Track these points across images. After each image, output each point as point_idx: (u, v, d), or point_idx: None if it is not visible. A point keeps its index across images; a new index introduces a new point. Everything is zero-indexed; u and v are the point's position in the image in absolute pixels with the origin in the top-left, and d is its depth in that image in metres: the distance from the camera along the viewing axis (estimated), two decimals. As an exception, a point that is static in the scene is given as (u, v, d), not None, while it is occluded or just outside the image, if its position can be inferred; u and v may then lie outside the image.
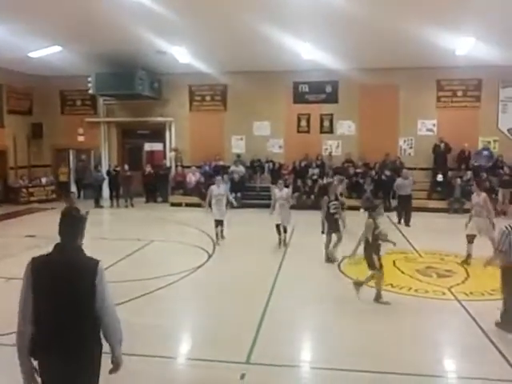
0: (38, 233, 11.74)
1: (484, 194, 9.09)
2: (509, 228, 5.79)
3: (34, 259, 3.10)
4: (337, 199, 9.53)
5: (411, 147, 17.13)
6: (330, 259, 9.03)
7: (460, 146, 16.18)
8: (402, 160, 16.55)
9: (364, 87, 16.55)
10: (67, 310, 2.95)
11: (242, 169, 17.20)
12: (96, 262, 3.06)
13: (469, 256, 8.78)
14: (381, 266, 6.85)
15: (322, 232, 9.31)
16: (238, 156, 17.62)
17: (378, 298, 6.87)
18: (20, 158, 18.20)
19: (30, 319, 2.97)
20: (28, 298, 2.98)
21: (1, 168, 17.27)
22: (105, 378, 4.80)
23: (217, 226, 10.65)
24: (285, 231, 10.33)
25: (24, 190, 17.54)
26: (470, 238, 8.80)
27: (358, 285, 7.03)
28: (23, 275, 3.05)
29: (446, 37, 12.11)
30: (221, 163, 17.60)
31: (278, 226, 10.21)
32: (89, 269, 3.02)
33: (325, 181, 16.18)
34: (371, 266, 6.83)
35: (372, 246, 6.81)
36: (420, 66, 15.87)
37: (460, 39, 12.59)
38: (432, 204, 15.13)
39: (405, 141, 17.14)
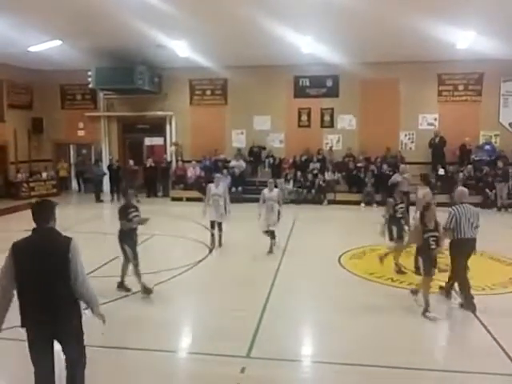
0: (39, 227, 11.75)
1: (427, 190, 8.68)
2: (455, 209, 6.53)
3: (14, 243, 3.54)
4: (402, 201, 8.24)
5: (412, 141, 17.10)
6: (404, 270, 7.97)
7: (461, 141, 16.15)
8: (402, 154, 16.52)
9: (365, 81, 16.50)
10: (46, 281, 3.45)
11: (242, 163, 17.19)
12: (69, 240, 3.55)
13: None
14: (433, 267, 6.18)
15: (391, 239, 8.04)
16: (239, 150, 17.60)
17: (423, 311, 6.15)
18: (21, 152, 18.20)
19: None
20: (7, 273, 3.47)
21: (1, 163, 17.28)
22: (106, 370, 4.84)
23: (212, 227, 9.84)
24: (273, 236, 9.35)
25: (25, 185, 17.54)
26: None
27: (414, 293, 6.57)
28: (5, 257, 3.49)
29: (446, 30, 12.05)
30: (222, 157, 17.58)
31: (265, 232, 9.38)
32: (62, 245, 3.52)
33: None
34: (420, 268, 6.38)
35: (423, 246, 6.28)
36: (421, 60, 15.81)
37: (461, 33, 12.52)
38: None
39: (406, 135, 17.11)
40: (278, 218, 9.33)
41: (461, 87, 16.74)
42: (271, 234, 9.32)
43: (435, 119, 16.87)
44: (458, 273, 6.52)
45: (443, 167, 16.01)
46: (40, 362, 3.63)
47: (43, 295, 3.47)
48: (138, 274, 6.82)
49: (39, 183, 17.96)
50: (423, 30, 11.84)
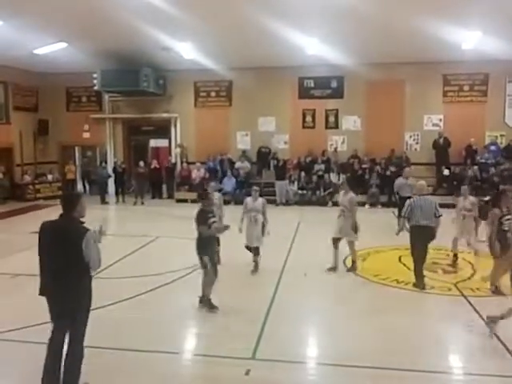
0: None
1: (351, 195, 8.20)
2: (412, 200, 7.49)
3: (42, 223, 4.22)
4: (510, 212, 6.92)
5: (417, 142, 17.04)
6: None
7: (466, 141, 16.07)
8: (407, 155, 16.47)
9: (370, 82, 16.47)
10: (60, 261, 4.00)
11: (247, 165, 17.19)
12: (85, 231, 4.03)
13: None
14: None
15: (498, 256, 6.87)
16: (244, 152, 17.60)
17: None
18: (26, 154, 18.28)
19: None
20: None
21: (7, 165, 17.36)
22: (110, 373, 4.85)
23: (254, 254, 8.14)
24: (256, 253, 8.08)
25: (30, 187, 17.63)
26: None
27: (493, 322, 5.53)
28: None
29: (452, 31, 12.01)
30: (229, 156, 17.56)
31: (248, 248, 8.12)
32: (78, 234, 4.02)
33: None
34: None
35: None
36: (426, 61, 15.76)
37: (467, 33, 12.48)
38: (438, 200, 14.98)
39: (411, 136, 17.05)
40: (263, 232, 7.99)
41: (466, 88, 16.66)
42: (255, 250, 8.03)
43: (440, 120, 16.81)
44: (417, 257, 7.36)
45: (448, 168, 15.95)
46: (52, 333, 4.20)
47: (56, 273, 4.03)
48: (208, 285, 6.28)
49: (45, 185, 18.03)
50: (429, 31, 11.81)
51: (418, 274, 7.36)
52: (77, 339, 4.21)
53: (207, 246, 6.28)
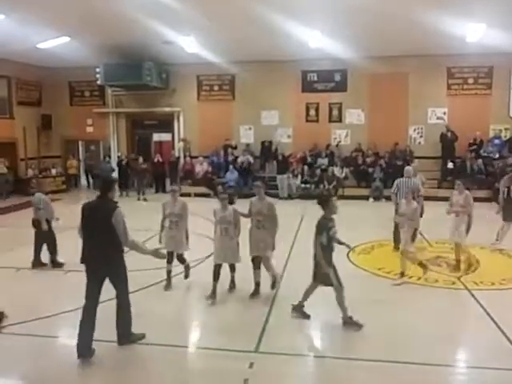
0: (49, 223, 11.85)
1: (269, 200, 6.87)
2: (399, 180, 8.97)
3: (84, 203, 5.06)
4: None
5: (421, 136, 16.98)
6: None
7: (471, 135, 16.00)
8: (411, 149, 16.42)
9: (373, 75, 16.40)
10: (95, 234, 4.85)
11: (250, 158, 17.17)
12: (114, 208, 4.85)
13: None
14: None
15: None
16: (247, 145, 17.58)
17: None
18: (30, 149, 18.33)
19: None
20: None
21: (11, 159, 17.40)
22: (115, 364, 4.89)
23: (168, 261, 6.91)
24: (232, 269, 6.86)
25: (34, 181, 17.66)
26: None
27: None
28: None
29: (456, 23, 11.92)
30: (233, 143, 17.52)
31: (217, 268, 6.57)
32: (109, 211, 4.82)
33: (335, 171, 16.04)
34: None
35: None
36: (430, 54, 15.67)
37: (471, 26, 12.38)
38: (442, 193, 14.98)
39: (415, 129, 16.99)
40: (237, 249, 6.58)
41: (470, 81, 16.57)
42: (230, 267, 6.81)
43: (444, 113, 16.73)
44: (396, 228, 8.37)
45: (452, 161, 15.89)
46: (88, 293, 4.95)
47: (94, 244, 4.87)
48: (341, 301, 5.67)
49: (49, 179, 18.07)
50: (433, 24, 11.73)
51: (396, 238, 8.41)
52: (122, 294, 5.08)
53: (330, 258, 5.66)
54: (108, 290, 5.08)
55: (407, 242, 7.25)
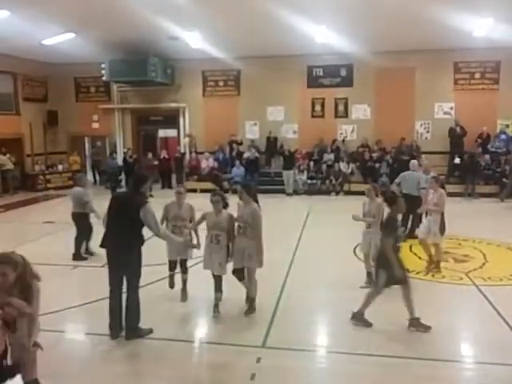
0: (56, 219, 11.92)
1: (254, 206, 5.84)
2: (403, 174, 9.65)
3: (114, 193, 6.05)
4: None
5: (428, 131, 16.88)
6: None
7: (478, 130, 15.89)
8: (418, 144, 16.33)
9: (379, 70, 16.31)
10: (122, 223, 5.05)
11: (255, 153, 17.12)
12: (145, 202, 5.05)
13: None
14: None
15: None
16: (252, 141, 17.54)
17: None
18: (36, 145, 18.38)
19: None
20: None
21: (18, 155, 17.46)
22: (122, 358, 4.91)
23: (171, 269, 6.46)
24: (217, 282, 5.90)
25: (41, 177, 17.76)
26: None
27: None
28: None
29: (463, 18, 11.82)
30: (238, 139, 17.50)
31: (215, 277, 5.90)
32: (137, 205, 5.01)
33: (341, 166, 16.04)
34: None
35: None
36: (437, 48, 15.53)
37: (478, 20, 12.28)
38: (449, 188, 14.89)
39: (421, 124, 16.89)
40: (228, 258, 5.87)
41: (477, 75, 16.43)
42: (216, 280, 5.90)
43: (451, 108, 16.61)
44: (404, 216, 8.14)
45: (459, 156, 15.80)
46: (111, 281, 5.18)
47: (116, 234, 5.08)
48: (409, 302, 5.40)
49: (55, 175, 18.17)
50: (439, 18, 11.64)
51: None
52: (132, 288, 5.17)
53: (386, 261, 5.34)
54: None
55: (436, 234, 7.45)
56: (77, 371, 4.68)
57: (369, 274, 6.88)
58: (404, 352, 4.94)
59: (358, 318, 5.59)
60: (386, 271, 5.35)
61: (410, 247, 8.86)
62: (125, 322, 5.25)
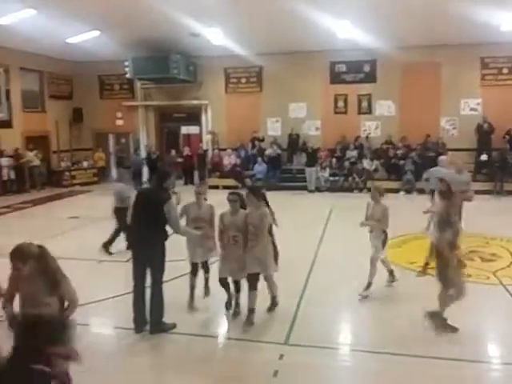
0: (81, 214, 12.14)
1: (264, 210, 5.55)
2: (431, 169, 9.69)
3: (139, 189, 5.57)
4: None
5: (454, 127, 16.55)
6: None
7: (506, 126, 15.50)
8: (444, 141, 16.03)
9: (404, 66, 16.06)
10: (147, 217, 5.11)
11: (277, 150, 17.08)
12: (169, 198, 5.16)
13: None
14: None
15: None
16: (274, 138, 17.50)
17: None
18: (62, 142, 18.71)
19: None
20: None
21: (44, 152, 17.81)
22: (145, 353, 4.95)
23: (193, 272, 6.11)
24: (237, 289, 5.81)
25: (67, 173, 18.08)
26: None
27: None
28: None
29: (490, 12, 11.56)
30: (260, 136, 17.46)
31: (223, 281, 5.75)
32: (161, 200, 5.10)
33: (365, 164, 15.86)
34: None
35: None
36: (463, 43, 15.21)
37: (505, 14, 11.98)
38: (476, 186, 14.58)
39: (447, 121, 16.57)
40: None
41: (505, 70, 16.03)
42: (235, 285, 5.79)
43: (478, 104, 16.26)
44: None
45: (487, 153, 15.46)
46: (135, 275, 5.25)
47: (141, 229, 5.15)
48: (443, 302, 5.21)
49: (80, 172, 18.49)
50: (466, 12, 11.41)
51: None
52: (156, 283, 5.21)
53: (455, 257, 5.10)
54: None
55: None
56: (101, 364, 4.75)
57: (390, 272, 6.76)
58: (428, 352, 4.84)
59: (438, 322, 5.21)
60: (444, 269, 5.11)
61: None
62: (149, 317, 5.29)
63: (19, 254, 3.53)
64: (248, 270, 5.48)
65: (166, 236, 5.24)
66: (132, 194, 8.35)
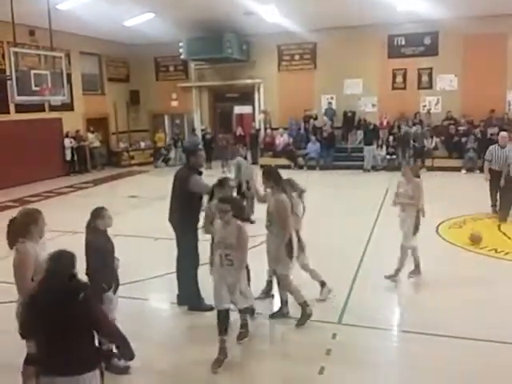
0: (140, 193, 12.58)
1: (283, 196, 4.95)
2: (492, 147, 9.07)
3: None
4: None
5: (522, 101, 15.52)
6: None
7: None
8: (510, 116, 15.08)
9: (467, 37, 15.16)
10: (177, 193, 5.37)
11: (329, 128, 16.64)
12: (191, 174, 5.28)
13: None
14: None
15: None
16: (331, 109, 17.16)
17: None
18: (120, 123, 19.31)
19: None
20: None
21: (103, 133, 18.48)
22: (189, 328, 5.04)
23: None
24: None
25: (125, 154, 18.69)
26: None
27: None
28: None
29: None
30: (313, 114, 17.22)
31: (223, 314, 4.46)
32: (184, 177, 5.30)
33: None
34: None
35: None
36: (533, 10, 14.11)
37: None
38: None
39: (514, 95, 15.56)
40: (249, 282, 4.90)
41: None
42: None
43: (549, 76, 15.11)
44: (491, 193, 9.09)
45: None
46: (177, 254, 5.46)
47: (172, 207, 5.44)
48: None
49: (138, 152, 19.05)
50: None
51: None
52: (181, 257, 5.37)
53: None
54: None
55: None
56: (148, 332, 4.95)
57: (416, 266, 6.25)
58: (484, 335, 4.65)
59: None
60: None
61: (499, 226, 8.30)
62: (178, 290, 5.53)
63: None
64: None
65: (195, 218, 5.31)
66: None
